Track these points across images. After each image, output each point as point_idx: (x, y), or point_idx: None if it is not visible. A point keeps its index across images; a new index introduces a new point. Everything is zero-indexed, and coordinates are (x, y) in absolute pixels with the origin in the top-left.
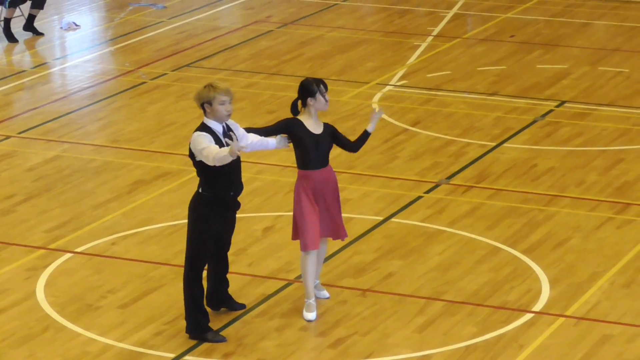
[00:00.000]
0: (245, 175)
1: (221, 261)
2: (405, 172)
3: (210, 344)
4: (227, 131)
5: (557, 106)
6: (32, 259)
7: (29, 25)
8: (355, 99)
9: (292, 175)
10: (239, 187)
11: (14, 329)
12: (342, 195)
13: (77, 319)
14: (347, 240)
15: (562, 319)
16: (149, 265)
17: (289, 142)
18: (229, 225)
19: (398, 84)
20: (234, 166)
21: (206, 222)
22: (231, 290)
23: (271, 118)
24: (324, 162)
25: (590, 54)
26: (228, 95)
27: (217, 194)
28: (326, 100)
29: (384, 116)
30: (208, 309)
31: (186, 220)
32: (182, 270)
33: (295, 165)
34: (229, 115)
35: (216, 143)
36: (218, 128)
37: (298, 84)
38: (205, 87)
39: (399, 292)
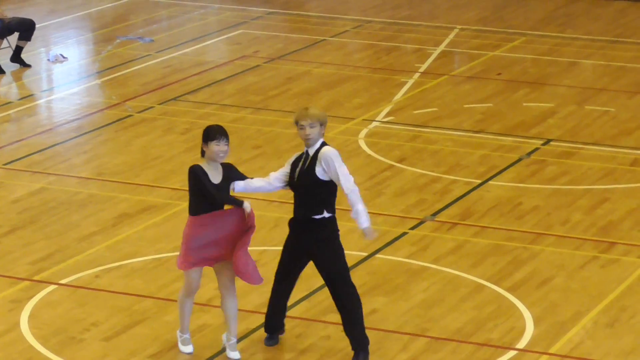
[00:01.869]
0: None
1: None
2: (391, 209)
3: None
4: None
5: (543, 144)
6: (16, 290)
7: (17, 57)
8: (342, 135)
9: (277, 211)
10: None
11: None
12: None
13: (60, 351)
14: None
15: (545, 357)
16: (133, 298)
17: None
18: None
19: (384, 120)
20: None
21: (338, 239)
22: (214, 324)
23: (257, 153)
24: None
25: (577, 93)
26: None
27: (334, 212)
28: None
29: (370, 152)
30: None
31: (171, 254)
32: (166, 303)
33: (279, 200)
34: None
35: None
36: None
37: (284, 120)
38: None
39: (383, 328)
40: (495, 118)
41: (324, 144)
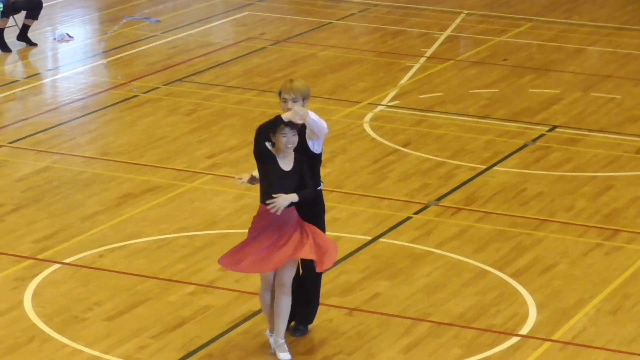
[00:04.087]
0: (234, 192)
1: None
2: (395, 193)
3: (195, 358)
4: None
5: (548, 131)
6: (19, 268)
7: (23, 36)
8: (346, 119)
9: None
10: None
11: (0, 338)
12: (331, 214)
13: (63, 330)
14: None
15: (547, 344)
16: (136, 278)
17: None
18: None
19: (390, 104)
20: None
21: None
22: (217, 305)
23: None
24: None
25: (583, 80)
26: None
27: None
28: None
29: (375, 136)
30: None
31: (175, 235)
32: (168, 284)
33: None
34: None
35: None
36: None
37: None
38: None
39: (385, 312)
40: (501, 104)
41: None
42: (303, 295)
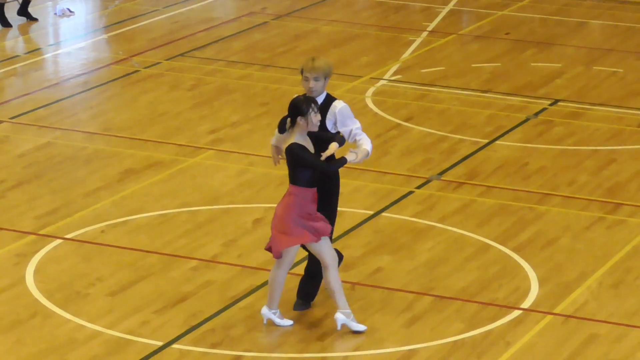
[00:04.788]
0: (236, 167)
1: None
2: (397, 168)
3: (198, 333)
4: None
5: (551, 105)
6: (21, 244)
7: (23, 11)
8: (349, 93)
9: (282, 168)
10: None
11: (2, 314)
12: None
13: (65, 305)
14: (336, 234)
15: (549, 317)
16: (138, 254)
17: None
18: None
19: (392, 79)
20: None
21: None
22: (219, 280)
23: (264, 110)
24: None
25: (585, 54)
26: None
27: None
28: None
29: (377, 111)
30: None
31: (176, 210)
32: (171, 259)
33: None
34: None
35: None
36: None
37: (291, 77)
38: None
39: (388, 286)
40: (503, 78)
41: (330, 97)
42: (306, 271)
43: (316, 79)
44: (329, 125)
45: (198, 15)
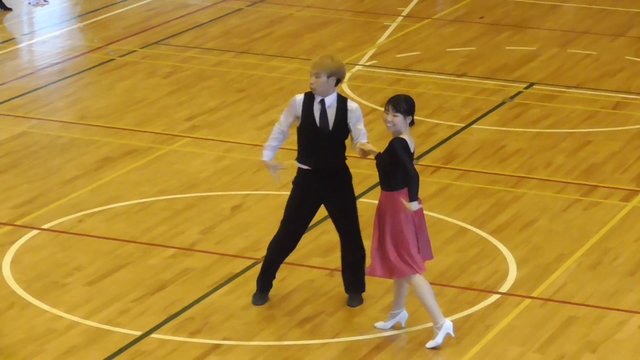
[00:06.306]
0: (214, 154)
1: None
2: None
3: (177, 321)
4: None
5: (526, 88)
6: None
7: None
8: None
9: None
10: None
11: None
12: None
13: (43, 296)
14: (315, 219)
15: (528, 300)
16: (116, 242)
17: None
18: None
19: (367, 63)
20: None
21: None
22: (198, 267)
23: (241, 96)
24: (381, 183)
25: (559, 36)
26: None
27: None
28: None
29: (354, 95)
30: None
31: (154, 198)
32: (149, 248)
33: (262, 144)
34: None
35: None
36: None
37: (268, 63)
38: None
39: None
40: (478, 61)
41: (343, 98)
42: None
43: (317, 75)
44: (350, 124)
45: (173, 2)
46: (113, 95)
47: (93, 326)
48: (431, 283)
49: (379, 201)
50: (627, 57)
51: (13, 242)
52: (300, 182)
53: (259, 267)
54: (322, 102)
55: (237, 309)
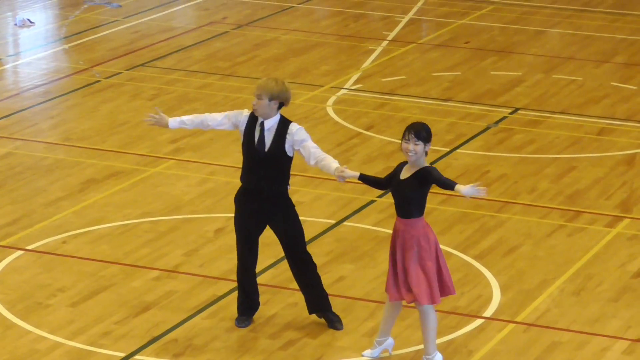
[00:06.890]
0: (198, 176)
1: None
2: None
3: (160, 343)
4: None
5: (511, 113)
6: None
7: None
8: (309, 102)
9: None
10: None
11: None
12: (295, 197)
13: (26, 316)
14: None
15: (512, 325)
16: (100, 264)
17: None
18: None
19: (352, 87)
20: None
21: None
22: (181, 290)
23: None
24: (401, 210)
25: (544, 62)
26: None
27: None
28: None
29: (338, 119)
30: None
31: (138, 220)
32: (132, 269)
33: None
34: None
35: None
36: None
37: (253, 86)
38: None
39: (350, 295)
40: (463, 86)
41: (285, 120)
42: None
43: (259, 97)
44: (287, 148)
45: (158, 25)
46: (98, 117)
47: (76, 347)
48: (414, 307)
49: (399, 229)
50: (612, 83)
51: None
52: (240, 199)
53: None
54: (262, 124)
55: (220, 332)
